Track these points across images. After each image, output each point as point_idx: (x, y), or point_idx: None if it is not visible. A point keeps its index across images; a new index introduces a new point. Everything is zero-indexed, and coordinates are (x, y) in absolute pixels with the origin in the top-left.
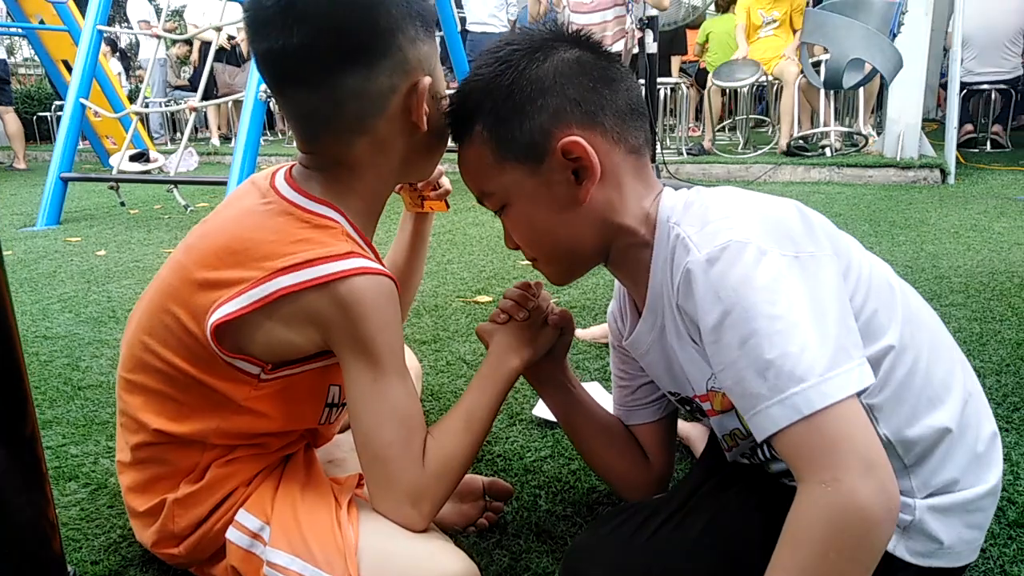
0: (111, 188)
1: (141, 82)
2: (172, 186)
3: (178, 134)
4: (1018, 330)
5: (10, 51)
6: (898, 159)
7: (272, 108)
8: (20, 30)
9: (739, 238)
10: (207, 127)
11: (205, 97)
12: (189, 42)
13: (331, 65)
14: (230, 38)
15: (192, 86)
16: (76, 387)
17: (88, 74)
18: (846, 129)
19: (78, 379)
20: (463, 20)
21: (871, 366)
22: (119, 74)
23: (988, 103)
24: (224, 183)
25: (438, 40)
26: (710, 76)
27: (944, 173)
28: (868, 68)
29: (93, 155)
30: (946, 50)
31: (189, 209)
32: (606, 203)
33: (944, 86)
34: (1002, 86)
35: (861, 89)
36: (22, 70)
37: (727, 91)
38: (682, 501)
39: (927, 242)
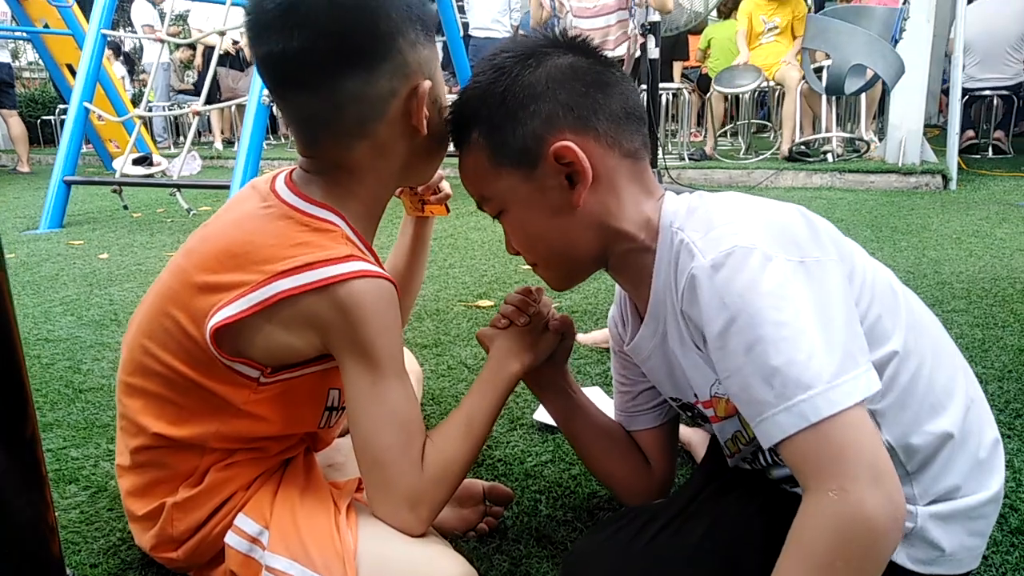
0: (114, 191)
1: (145, 86)
2: (175, 190)
3: (181, 138)
4: (1020, 336)
5: (15, 55)
6: (900, 165)
7: (275, 112)
8: (25, 34)
9: (744, 244)
10: (210, 131)
11: (208, 101)
12: (193, 46)
13: (331, 68)
14: (234, 42)
15: (196, 90)
16: (77, 390)
17: (92, 78)
18: (848, 135)
19: (79, 382)
20: (466, 25)
21: (875, 371)
22: (122, 78)
23: (990, 109)
24: (227, 187)
25: (441, 45)
26: (712, 82)
27: (946, 179)
28: (870, 74)
29: (96, 159)
30: (948, 56)
31: (192, 213)
32: (602, 207)
33: (946, 92)
34: (1004, 92)
35: (863, 95)
36: (27, 74)
37: (729, 97)
38: (682, 506)
39: (929, 248)
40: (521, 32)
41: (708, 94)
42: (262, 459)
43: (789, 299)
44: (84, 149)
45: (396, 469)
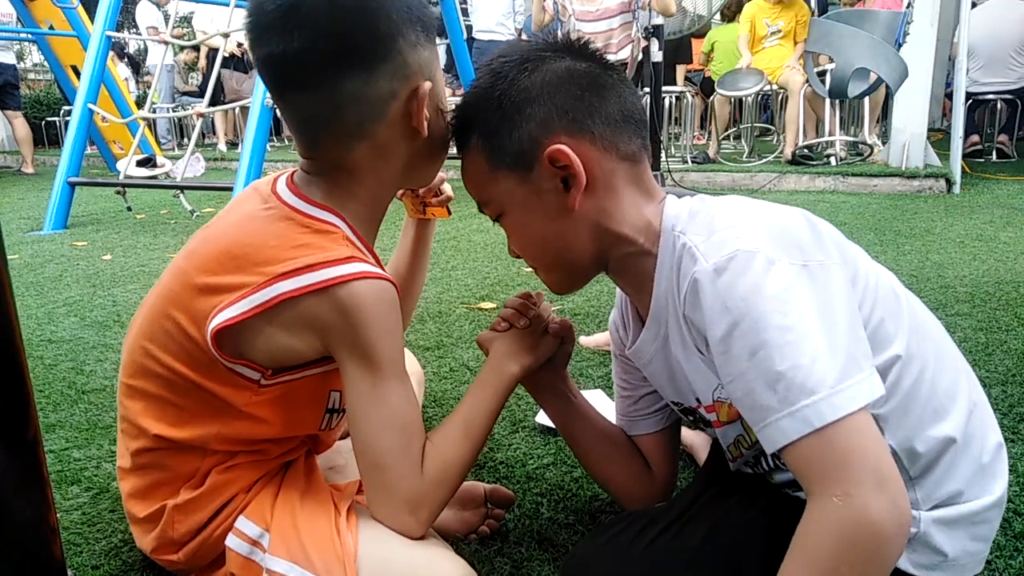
0: (118, 193)
1: (149, 88)
2: (178, 191)
3: (185, 139)
4: None
5: (20, 56)
6: (903, 168)
7: (279, 115)
8: (30, 35)
9: (747, 247)
10: (214, 133)
11: (212, 103)
12: (197, 48)
13: (331, 69)
14: (239, 44)
15: (200, 92)
16: (80, 391)
17: (96, 79)
18: (851, 138)
19: (82, 383)
20: (469, 28)
21: (879, 376)
22: (126, 79)
23: (994, 113)
24: (230, 189)
25: (444, 48)
26: (716, 85)
27: (949, 183)
28: (873, 77)
29: (101, 160)
30: (952, 60)
31: (195, 214)
32: (599, 211)
33: (950, 96)
34: (1008, 96)
35: (866, 98)
36: (32, 75)
37: (732, 100)
38: (682, 510)
39: (932, 252)
40: (525, 35)
41: (711, 97)
42: (263, 461)
43: (792, 303)
44: (88, 151)
45: (396, 472)
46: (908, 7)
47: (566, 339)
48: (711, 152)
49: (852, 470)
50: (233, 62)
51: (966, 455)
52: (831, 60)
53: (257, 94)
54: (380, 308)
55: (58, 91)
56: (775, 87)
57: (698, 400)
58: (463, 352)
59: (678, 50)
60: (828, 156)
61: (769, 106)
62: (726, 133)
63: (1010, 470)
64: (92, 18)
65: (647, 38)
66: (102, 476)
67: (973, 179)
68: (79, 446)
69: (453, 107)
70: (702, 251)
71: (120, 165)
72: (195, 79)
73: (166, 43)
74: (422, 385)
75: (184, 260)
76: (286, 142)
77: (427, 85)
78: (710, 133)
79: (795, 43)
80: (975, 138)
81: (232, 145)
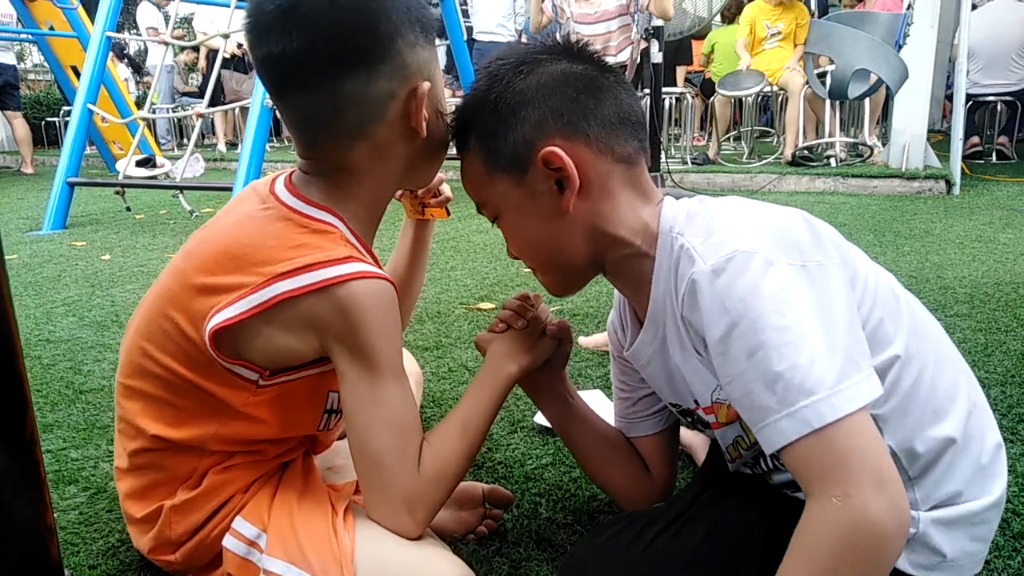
0: (117, 193)
1: (149, 88)
2: (178, 191)
3: (185, 140)
4: (1023, 341)
5: (20, 57)
6: (903, 170)
7: (278, 115)
8: (30, 36)
9: (745, 248)
10: (214, 133)
11: (212, 103)
12: (196, 49)
13: (330, 70)
14: (239, 45)
15: (199, 92)
16: (78, 391)
17: (96, 80)
18: (851, 139)
19: (80, 383)
20: (470, 29)
21: (877, 376)
22: (126, 80)
23: (994, 115)
24: (230, 189)
25: (444, 49)
26: (717, 88)
27: (949, 184)
28: (873, 79)
29: (100, 160)
30: (952, 61)
31: (194, 215)
32: (594, 213)
33: (950, 98)
34: (1008, 98)
35: (867, 100)
36: (32, 76)
37: (733, 102)
38: (680, 510)
39: (932, 253)
40: (525, 36)
41: (711, 98)
42: (260, 462)
43: (791, 304)
44: (88, 151)
45: (393, 472)
46: (908, 9)
47: (564, 341)
48: (711, 153)
49: (851, 470)
50: (233, 63)
51: (965, 456)
52: (831, 61)
53: (257, 95)
54: (379, 308)
55: (58, 91)
56: (775, 88)
57: (696, 402)
58: (462, 352)
59: (678, 51)
60: (828, 157)
61: (769, 107)
62: (726, 135)
63: (1009, 471)
64: (92, 19)
65: (647, 39)
66: (100, 476)
67: (973, 180)
68: (77, 446)
69: (453, 108)
70: (700, 252)
71: (119, 165)
72: (195, 80)
73: (166, 44)
74: (420, 385)
75: (182, 260)
76: (286, 143)
77: (426, 86)
78: (710, 134)
79: (795, 45)
80: (975, 139)
81: (232, 146)
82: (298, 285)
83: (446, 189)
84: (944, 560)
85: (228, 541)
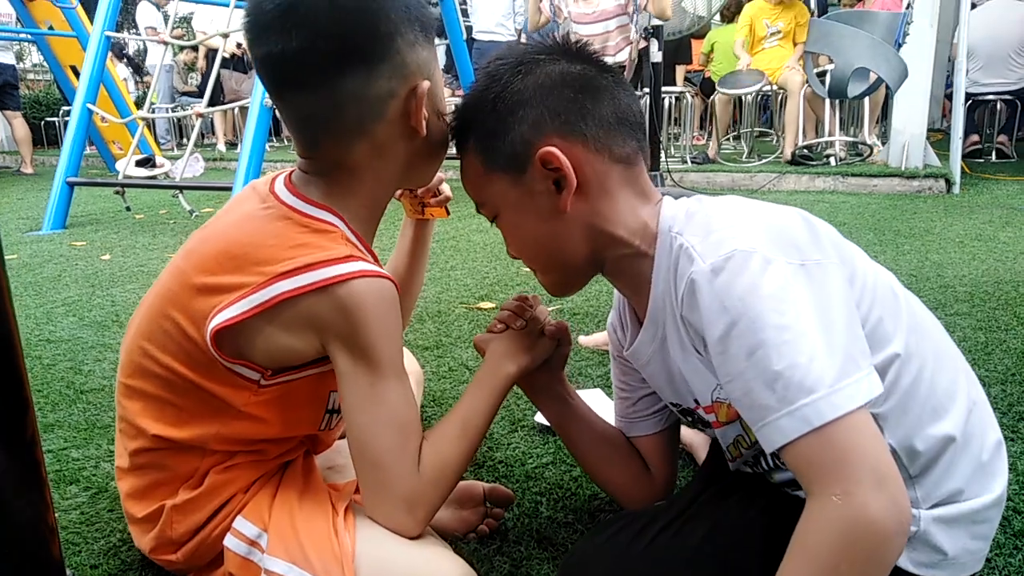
0: (117, 193)
1: (148, 88)
2: (177, 191)
3: (184, 140)
4: (1023, 340)
5: (19, 56)
6: (903, 169)
7: (278, 115)
8: (29, 36)
9: (744, 247)
10: (213, 133)
11: (211, 103)
12: (196, 48)
13: (330, 69)
14: (239, 45)
15: (199, 92)
16: (78, 391)
17: (95, 79)
18: (851, 139)
19: (80, 383)
20: (469, 28)
21: (877, 374)
22: (125, 80)
23: (993, 114)
24: (229, 189)
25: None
26: (717, 87)
27: (949, 183)
28: (873, 77)
29: (100, 160)
30: (951, 60)
31: (194, 214)
32: (592, 212)
33: (949, 96)
34: (1007, 97)
35: (866, 99)
36: (31, 75)
37: (733, 102)
38: (681, 509)
39: (932, 251)
40: (524, 36)
41: (711, 97)
42: (262, 462)
43: (790, 302)
44: (87, 151)
45: (393, 471)
46: (908, 8)
47: (563, 342)
48: (711, 152)
49: (851, 469)
50: (232, 62)
51: (966, 453)
52: (831, 61)
53: (256, 94)
54: (381, 307)
55: (57, 91)
56: (775, 87)
57: (696, 401)
58: (462, 352)
59: (678, 50)
60: (828, 156)
61: (769, 107)
62: (726, 136)
63: (1010, 469)
64: (91, 18)
65: (646, 38)
66: (100, 476)
67: (973, 179)
68: (77, 446)
69: (453, 108)
70: (699, 251)
71: (119, 165)
72: (194, 79)
73: (165, 43)
74: (421, 384)
75: (183, 260)
76: (285, 142)
77: (426, 84)
78: (710, 133)
79: (795, 44)
80: (974, 137)
81: (231, 145)
82: (299, 284)
83: (446, 188)
84: (945, 558)
85: (229, 541)
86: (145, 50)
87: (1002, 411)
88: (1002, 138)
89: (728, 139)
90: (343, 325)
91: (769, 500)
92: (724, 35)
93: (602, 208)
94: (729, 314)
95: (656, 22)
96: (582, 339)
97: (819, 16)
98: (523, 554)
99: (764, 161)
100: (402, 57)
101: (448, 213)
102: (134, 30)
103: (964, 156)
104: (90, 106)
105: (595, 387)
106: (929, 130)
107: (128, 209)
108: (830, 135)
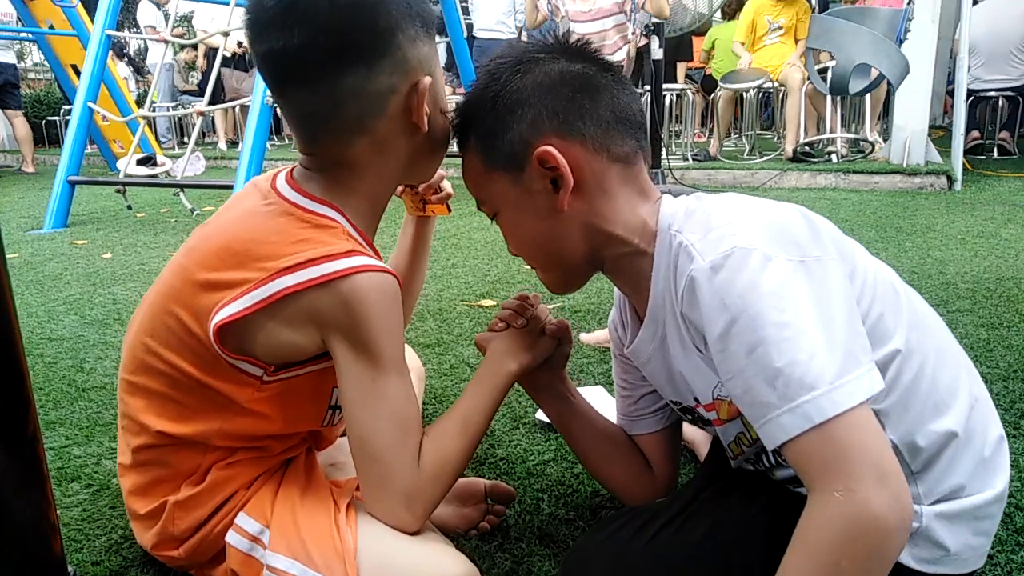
0: (118, 191)
1: (149, 86)
2: (178, 190)
3: (185, 138)
4: None
5: (20, 56)
6: (904, 165)
7: (279, 113)
8: (30, 35)
9: (743, 244)
10: (214, 131)
11: (212, 102)
12: (196, 47)
13: (331, 65)
14: (239, 43)
15: (200, 91)
16: (80, 389)
17: (96, 78)
18: (852, 135)
19: (82, 381)
20: (470, 26)
21: (878, 371)
22: (126, 78)
23: (995, 110)
24: (230, 187)
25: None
26: (720, 84)
27: (951, 180)
28: (874, 74)
29: (101, 159)
30: (953, 57)
31: (195, 213)
32: (590, 211)
33: (951, 93)
34: (1009, 93)
35: (868, 95)
36: (32, 74)
37: (735, 100)
38: (683, 506)
39: (934, 248)
40: (525, 33)
41: (712, 95)
42: (264, 458)
43: (790, 299)
44: (88, 150)
45: (394, 466)
46: (909, 4)
47: (563, 340)
48: (712, 150)
49: (853, 465)
50: (233, 61)
51: (968, 450)
52: (832, 57)
53: (257, 92)
54: (383, 301)
55: (58, 90)
56: (776, 84)
57: (697, 399)
58: (463, 349)
59: (679, 48)
60: (829, 153)
61: (770, 104)
62: (727, 134)
63: (1012, 466)
64: (92, 17)
65: (647, 36)
66: (102, 473)
67: (974, 176)
68: (79, 443)
69: (453, 105)
70: (699, 249)
71: (120, 164)
72: (195, 78)
73: (166, 42)
74: (422, 381)
75: (185, 257)
76: (286, 140)
77: (427, 80)
78: (711, 131)
79: (796, 41)
80: (975, 134)
81: (232, 144)
82: (301, 280)
83: (447, 185)
84: (947, 554)
85: (231, 537)
86: (146, 49)
87: (1004, 407)
88: (1004, 134)
89: (729, 135)
90: (345, 320)
91: (771, 497)
92: (725, 32)
93: (600, 207)
94: (729, 311)
95: (655, 20)
96: (583, 336)
97: (820, 12)
98: (524, 551)
99: (765, 158)
100: (403, 53)
101: (449, 210)
102: (135, 29)
103: (966, 152)
104: (91, 105)
105: (596, 384)
106: (931, 127)
107: (129, 208)
108: (831, 132)
